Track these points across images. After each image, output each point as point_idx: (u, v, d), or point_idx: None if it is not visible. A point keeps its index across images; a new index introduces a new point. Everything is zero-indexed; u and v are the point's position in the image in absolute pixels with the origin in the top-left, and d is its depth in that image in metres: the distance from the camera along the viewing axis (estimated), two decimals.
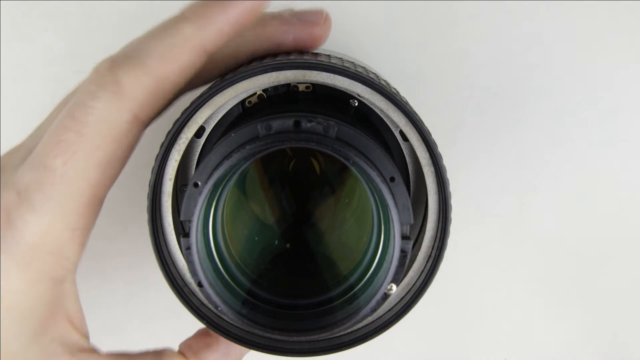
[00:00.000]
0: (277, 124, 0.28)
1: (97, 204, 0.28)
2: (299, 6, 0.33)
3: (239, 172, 0.30)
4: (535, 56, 0.42)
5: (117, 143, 0.27)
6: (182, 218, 0.28)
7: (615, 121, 0.42)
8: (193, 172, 0.33)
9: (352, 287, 0.32)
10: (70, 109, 0.27)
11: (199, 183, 0.28)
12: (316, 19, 0.31)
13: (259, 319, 0.30)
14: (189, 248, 0.28)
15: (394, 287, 0.29)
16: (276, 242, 0.35)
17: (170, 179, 0.31)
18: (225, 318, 0.32)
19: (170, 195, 0.31)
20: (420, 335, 0.45)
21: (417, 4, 0.41)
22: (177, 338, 0.32)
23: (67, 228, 0.27)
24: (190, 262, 0.29)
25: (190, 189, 0.28)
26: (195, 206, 0.28)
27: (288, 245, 0.35)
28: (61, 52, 0.42)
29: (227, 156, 0.28)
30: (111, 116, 0.27)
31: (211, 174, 0.28)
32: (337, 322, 0.30)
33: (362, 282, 0.31)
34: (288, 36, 0.31)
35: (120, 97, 0.27)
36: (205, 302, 0.32)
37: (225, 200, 0.32)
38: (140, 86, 0.27)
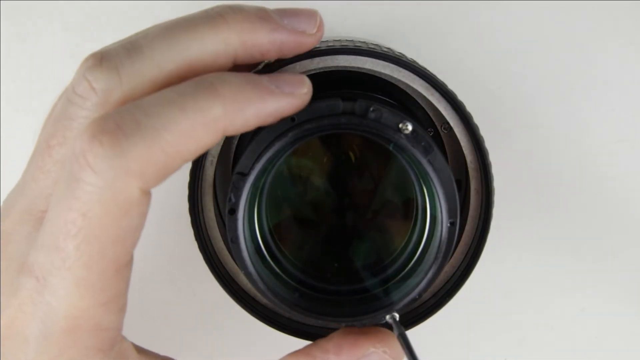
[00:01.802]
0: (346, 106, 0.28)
1: (123, 270, 0.25)
2: (297, 5, 0.32)
3: (285, 156, 0.29)
4: (535, 56, 0.42)
5: (129, 217, 0.24)
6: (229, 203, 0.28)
7: (615, 121, 0.42)
8: (233, 155, 0.33)
9: (397, 272, 0.32)
10: (69, 183, 0.24)
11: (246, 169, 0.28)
12: (309, 27, 0.28)
13: (308, 306, 0.30)
14: (235, 240, 0.28)
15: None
16: (318, 229, 0.35)
17: (211, 164, 0.31)
18: (264, 303, 0.32)
19: (212, 186, 0.32)
20: (420, 334, 0.45)
21: (416, 4, 0.41)
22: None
23: (98, 305, 0.25)
24: (239, 257, 0.29)
25: (235, 176, 0.28)
26: (243, 188, 0.28)
27: (329, 233, 0.35)
28: (61, 52, 0.42)
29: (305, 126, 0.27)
30: (116, 194, 0.23)
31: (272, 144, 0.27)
32: (384, 308, 0.30)
33: (408, 267, 0.32)
34: (274, 45, 0.27)
35: (126, 174, 0.23)
36: (250, 291, 0.32)
37: (267, 190, 0.32)
38: (151, 162, 0.23)
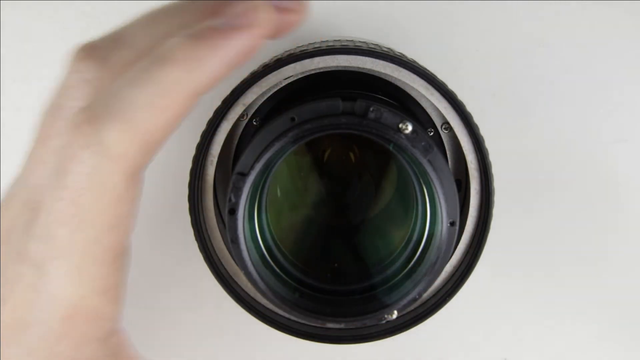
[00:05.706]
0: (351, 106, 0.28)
1: (119, 259, 0.26)
2: None
3: (285, 155, 0.29)
4: (535, 56, 0.42)
5: (121, 202, 0.25)
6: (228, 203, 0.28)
7: (615, 121, 0.42)
8: (233, 154, 0.33)
9: (397, 272, 0.32)
10: (59, 173, 0.24)
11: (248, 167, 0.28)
12: (292, 5, 0.27)
13: (308, 306, 0.30)
14: (235, 240, 0.29)
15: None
16: (318, 229, 0.36)
17: (211, 164, 0.31)
18: (266, 304, 0.32)
19: (213, 185, 0.32)
20: (420, 334, 0.45)
21: (416, 3, 0.41)
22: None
23: (95, 293, 0.25)
24: (239, 257, 0.29)
25: (235, 176, 0.28)
26: (244, 187, 0.28)
27: (329, 233, 0.36)
28: (61, 52, 0.42)
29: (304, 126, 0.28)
30: (103, 180, 0.24)
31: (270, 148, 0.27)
32: (384, 308, 0.30)
33: (408, 267, 0.32)
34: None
35: (108, 159, 0.24)
36: (249, 291, 0.33)
37: (267, 190, 0.32)
38: (128, 144, 0.24)
